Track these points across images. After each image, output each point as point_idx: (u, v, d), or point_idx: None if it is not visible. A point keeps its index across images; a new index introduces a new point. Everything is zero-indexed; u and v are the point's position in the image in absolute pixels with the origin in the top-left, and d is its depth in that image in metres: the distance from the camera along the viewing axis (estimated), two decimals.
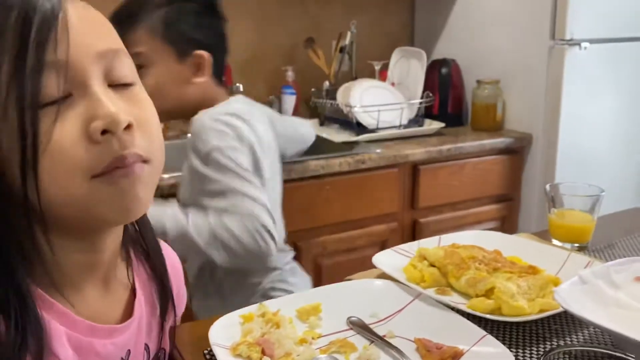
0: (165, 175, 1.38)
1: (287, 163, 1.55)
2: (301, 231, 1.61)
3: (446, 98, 2.01)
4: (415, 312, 0.76)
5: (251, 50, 2.06)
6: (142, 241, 0.64)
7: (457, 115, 2.03)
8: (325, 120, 2.00)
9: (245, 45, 2.05)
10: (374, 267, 0.85)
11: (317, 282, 1.53)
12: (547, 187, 1.03)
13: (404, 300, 0.78)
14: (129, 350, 0.60)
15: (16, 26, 0.45)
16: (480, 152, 1.84)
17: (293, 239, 1.60)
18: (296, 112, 2.03)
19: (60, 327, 0.52)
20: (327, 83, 2.03)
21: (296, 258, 1.62)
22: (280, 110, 2.03)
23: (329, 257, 1.68)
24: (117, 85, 0.51)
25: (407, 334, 0.71)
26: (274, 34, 2.09)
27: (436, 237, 0.96)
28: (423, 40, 2.27)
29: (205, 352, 0.67)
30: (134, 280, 0.63)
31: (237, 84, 1.84)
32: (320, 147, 1.84)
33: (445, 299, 0.78)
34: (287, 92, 2.02)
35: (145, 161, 0.51)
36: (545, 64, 1.82)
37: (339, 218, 1.66)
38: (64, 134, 0.47)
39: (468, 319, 0.72)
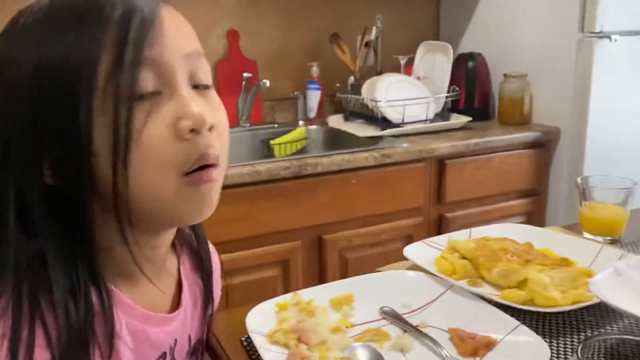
0: None
1: (313, 157, 1.56)
2: (327, 225, 1.62)
3: (472, 92, 1.99)
4: (448, 302, 0.76)
5: (277, 46, 2.08)
6: (194, 239, 0.67)
7: (483, 109, 2.02)
8: (349, 115, 2.00)
9: (271, 42, 2.07)
10: (400, 261, 0.86)
11: (343, 275, 1.54)
12: (579, 180, 1.02)
13: (437, 291, 0.78)
14: (176, 340, 0.62)
15: (118, 24, 0.48)
16: (508, 147, 1.82)
17: (319, 233, 1.62)
18: (321, 108, 2.05)
19: (121, 313, 0.55)
20: (352, 78, 2.03)
21: (321, 252, 1.65)
22: (304, 106, 2.05)
23: (354, 251, 1.69)
24: (198, 86, 0.53)
25: (440, 324, 0.72)
26: (299, 30, 2.10)
27: (466, 230, 0.96)
28: (449, 34, 2.25)
29: (243, 338, 0.68)
30: (180, 274, 0.65)
31: (264, 80, 1.85)
32: (345, 142, 1.85)
33: (477, 290, 0.78)
34: (312, 88, 2.03)
35: (216, 165, 0.53)
36: (574, 57, 1.80)
37: (364, 212, 1.67)
38: (154, 130, 0.49)
39: (500, 309, 0.72)
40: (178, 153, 0.50)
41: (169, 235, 0.60)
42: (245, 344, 0.68)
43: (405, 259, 0.86)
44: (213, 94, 0.55)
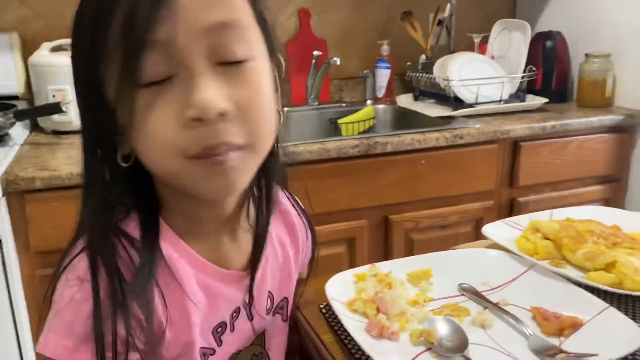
0: None
1: (382, 136, 1.55)
2: (394, 205, 1.61)
3: (550, 72, 1.91)
4: (530, 282, 0.74)
5: (347, 24, 2.06)
6: (267, 198, 0.67)
7: (561, 90, 1.93)
8: (420, 94, 1.97)
9: (342, 19, 2.05)
10: (465, 243, 0.84)
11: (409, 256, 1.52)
12: None
13: (517, 270, 0.76)
14: (253, 296, 0.63)
15: (125, 3, 0.45)
16: (587, 130, 1.74)
17: (386, 213, 1.61)
18: (390, 87, 2.02)
19: (190, 269, 0.57)
20: (423, 57, 1.99)
21: (387, 232, 1.64)
22: (373, 85, 2.03)
23: (420, 232, 1.67)
24: (226, 62, 0.48)
25: (521, 303, 0.70)
26: (370, 7, 2.07)
27: (548, 211, 0.93)
28: (526, 12, 2.16)
29: (322, 306, 0.69)
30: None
31: (334, 58, 1.85)
32: (415, 121, 1.82)
33: (561, 271, 0.76)
34: (381, 67, 2.00)
35: (242, 147, 0.50)
36: None
37: (433, 193, 1.64)
38: (160, 115, 0.47)
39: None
40: (182, 140, 0.47)
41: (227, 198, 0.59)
42: (324, 311, 0.69)
43: (477, 239, 0.84)
44: (246, 68, 0.49)
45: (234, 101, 0.48)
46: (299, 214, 0.70)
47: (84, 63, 0.50)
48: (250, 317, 0.64)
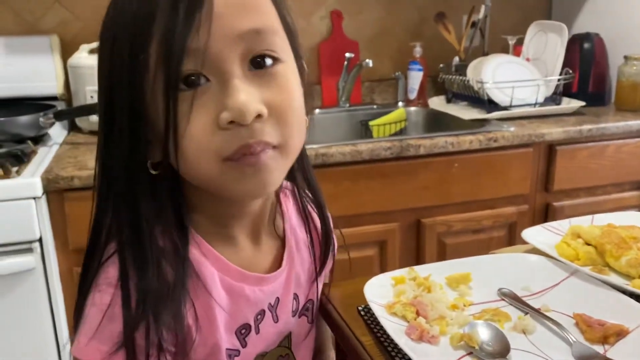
0: None
1: (415, 138, 1.54)
2: (426, 208, 1.60)
3: (587, 75, 1.87)
4: (572, 288, 0.73)
5: (379, 25, 2.06)
6: (308, 197, 0.67)
7: (598, 93, 1.89)
8: (452, 97, 1.95)
9: (374, 21, 2.05)
10: (499, 248, 0.83)
11: (441, 260, 1.51)
12: None
13: (559, 276, 0.75)
14: (278, 298, 0.64)
15: (165, 11, 0.47)
16: (625, 134, 1.70)
17: (418, 216, 1.60)
18: (422, 89, 2.01)
19: (214, 270, 0.57)
20: (456, 59, 1.98)
21: (419, 235, 1.63)
22: (405, 87, 2.02)
23: (453, 236, 1.65)
24: (259, 67, 0.50)
25: (563, 309, 0.69)
26: (402, 9, 2.07)
27: (589, 216, 0.91)
28: (562, 13, 2.13)
29: (360, 308, 0.69)
30: (284, 234, 0.66)
31: (367, 60, 1.84)
32: (447, 124, 1.81)
33: (604, 277, 0.74)
34: (414, 68, 1.99)
35: (275, 147, 0.51)
36: None
37: (466, 197, 1.63)
38: (198, 119, 0.48)
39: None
40: (218, 141, 0.49)
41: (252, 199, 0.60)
42: (362, 313, 0.68)
43: (511, 243, 0.82)
44: (277, 72, 0.51)
45: (267, 103, 0.50)
46: (323, 220, 0.71)
47: (120, 76, 0.50)
48: (276, 320, 0.64)
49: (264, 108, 0.49)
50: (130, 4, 0.49)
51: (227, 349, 0.59)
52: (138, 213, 0.53)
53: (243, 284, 0.60)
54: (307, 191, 0.69)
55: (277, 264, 0.66)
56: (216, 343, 0.57)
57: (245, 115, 0.48)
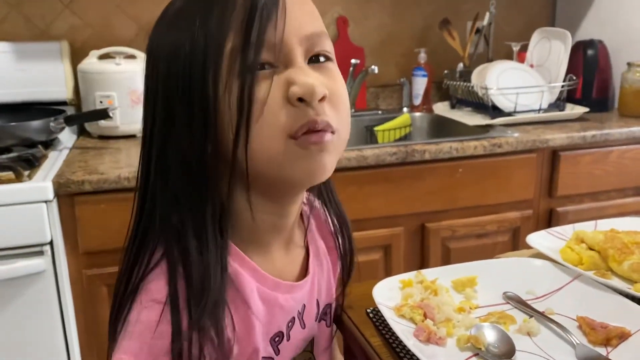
0: None
1: (420, 144, 1.56)
2: (431, 213, 1.62)
3: (591, 81, 1.89)
4: (576, 292, 0.74)
5: (384, 32, 2.08)
6: (330, 208, 0.70)
7: (602, 100, 1.91)
8: (457, 103, 1.97)
9: (379, 27, 2.07)
10: (503, 253, 0.84)
11: (445, 265, 1.53)
12: None
13: (562, 280, 0.76)
14: (304, 305, 0.65)
15: (245, 6, 0.52)
16: (628, 140, 1.72)
17: (422, 220, 1.62)
18: (426, 95, 2.03)
19: (252, 280, 0.59)
20: (461, 65, 2.00)
21: (423, 240, 1.64)
22: (410, 93, 2.04)
23: (457, 241, 1.67)
24: (315, 62, 0.56)
25: (567, 312, 0.70)
26: (407, 15, 2.09)
27: (592, 222, 0.92)
28: (566, 20, 2.15)
29: (368, 310, 0.71)
30: (307, 243, 0.69)
31: (373, 66, 1.87)
32: (451, 129, 1.83)
33: (607, 282, 0.75)
34: (418, 74, 2.01)
35: (333, 132, 0.55)
36: None
37: (470, 202, 1.64)
38: (272, 98, 0.52)
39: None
40: (287, 117, 0.52)
41: (296, 205, 0.63)
42: (371, 315, 0.70)
43: (515, 248, 0.84)
44: (331, 65, 0.57)
45: (327, 89, 0.54)
46: (348, 237, 0.73)
47: (189, 70, 0.52)
48: (304, 326, 0.66)
49: (327, 91, 0.54)
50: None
51: (263, 357, 0.60)
52: (203, 217, 0.54)
53: (277, 293, 0.61)
54: (329, 206, 0.72)
55: (303, 271, 0.68)
56: (254, 352, 0.59)
57: (314, 93, 0.52)
